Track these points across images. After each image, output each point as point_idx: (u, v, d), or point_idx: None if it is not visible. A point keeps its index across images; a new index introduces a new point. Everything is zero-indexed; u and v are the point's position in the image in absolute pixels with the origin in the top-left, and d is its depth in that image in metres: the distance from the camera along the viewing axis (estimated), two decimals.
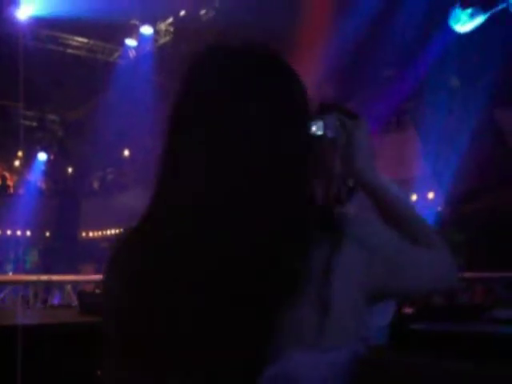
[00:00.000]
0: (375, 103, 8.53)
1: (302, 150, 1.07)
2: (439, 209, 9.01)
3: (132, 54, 11.24)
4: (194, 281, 1.00)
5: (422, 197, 9.12)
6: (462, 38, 6.76)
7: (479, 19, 4.58)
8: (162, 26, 10.49)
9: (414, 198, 9.13)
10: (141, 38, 10.53)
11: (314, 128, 1.38)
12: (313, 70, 8.40)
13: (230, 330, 0.99)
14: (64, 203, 13.76)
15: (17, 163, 15.06)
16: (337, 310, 1.03)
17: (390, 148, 8.67)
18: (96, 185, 15.80)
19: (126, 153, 15.47)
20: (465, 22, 4.64)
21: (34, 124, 12.84)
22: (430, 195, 9.06)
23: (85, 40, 11.09)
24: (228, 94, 1.05)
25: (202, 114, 1.03)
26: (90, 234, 14.16)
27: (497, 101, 7.65)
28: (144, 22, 10.23)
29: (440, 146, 7.87)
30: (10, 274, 12.18)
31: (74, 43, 11.14)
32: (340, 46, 7.79)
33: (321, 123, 1.36)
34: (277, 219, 1.02)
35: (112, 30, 10.36)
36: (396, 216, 1.21)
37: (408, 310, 2.94)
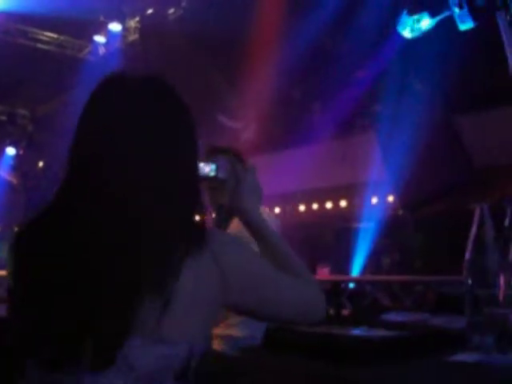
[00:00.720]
0: (339, 104, 8.60)
1: (183, 187, 1.25)
2: (400, 212, 9.10)
3: (102, 50, 11.21)
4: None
5: (383, 200, 9.20)
6: (420, 41, 6.84)
7: (426, 25, 4.61)
8: (132, 24, 10.47)
9: (375, 201, 9.20)
10: (109, 35, 10.49)
11: (207, 169, 1.51)
12: (275, 69, 8.46)
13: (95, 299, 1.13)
14: (33, 198, 13.69)
15: None
16: (178, 307, 1.15)
17: (353, 151, 8.74)
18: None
19: None
20: (412, 28, 4.68)
21: (4, 118, 12.75)
22: (390, 198, 9.15)
23: (54, 35, 11.03)
24: (122, 122, 1.26)
25: (100, 134, 1.26)
26: None
27: (455, 106, 7.75)
28: (112, 19, 10.19)
29: (397, 150, 7.94)
30: None
31: (44, 38, 11.07)
32: (302, 46, 7.84)
33: (214, 165, 1.50)
34: (156, 225, 1.18)
35: (81, 27, 10.34)
36: (272, 250, 1.39)
37: None
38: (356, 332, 1.53)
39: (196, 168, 1.31)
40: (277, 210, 10.65)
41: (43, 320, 1.15)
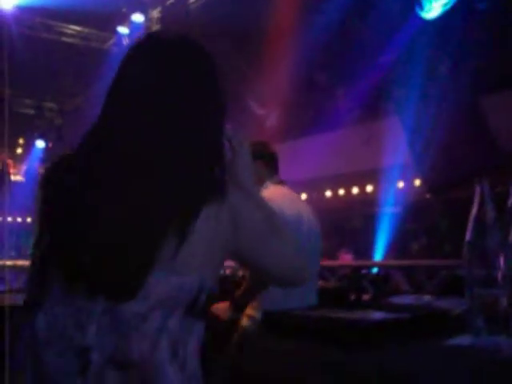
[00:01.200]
0: (363, 89, 8.53)
1: (210, 146, 1.34)
2: (427, 196, 9.01)
3: (126, 41, 11.27)
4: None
5: (409, 184, 9.11)
6: (445, 24, 6.74)
7: (444, 4, 4.57)
8: (154, 14, 10.51)
9: (401, 185, 9.13)
10: (132, 26, 10.54)
11: None
12: (298, 55, 8.42)
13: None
14: None
15: (19, 150, 15.25)
16: (194, 245, 1.24)
17: (378, 135, 8.67)
18: None
19: None
20: (430, 8, 4.63)
21: (32, 112, 12.93)
22: (417, 182, 9.06)
23: (79, 28, 11.13)
24: (155, 80, 1.31)
25: (133, 94, 1.31)
26: None
27: (480, 89, 7.62)
28: (135, 9, 10.24)
29: (423, 134, 7.86)
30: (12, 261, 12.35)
31: (69, 31, 11.19)
32: (325, 31, 7.79)
33: None
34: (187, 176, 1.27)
35: (104, 19, 10.40)
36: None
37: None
38: (354, 315, 1.53)
39: (222, 129, 1.38)
40: (303, 196, 10.63)
41: (72, 248, 1.24)
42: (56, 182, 1.32)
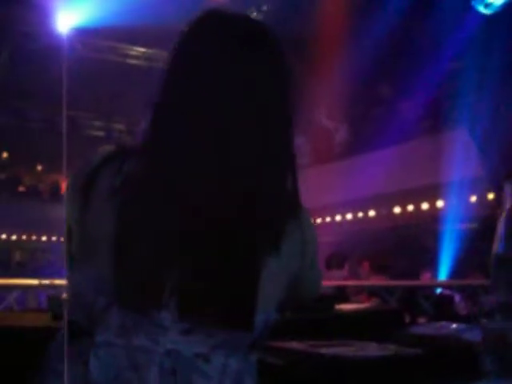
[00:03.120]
0: (428, 99, 8.18)
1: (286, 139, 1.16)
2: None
3: None
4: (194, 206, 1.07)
5: (481, 199, 8.61)
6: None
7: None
8: None
9: (474, 199, 8.64)
10: None
11: None
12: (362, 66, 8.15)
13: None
14: None
15: None
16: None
17: (445, 147, 8.26)
18: None
19: None
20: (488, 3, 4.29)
21: (101, 134, 13.16)
22: (490, 196, 8.52)
23: (143, 49, 11.25)
24: (221, 59, 1.12)
25: (196, 74, 1.12)
26: None
27: None
28: None
29: (495, 144, 7.40)
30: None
31: (133, 53, 11.32)
32: (383, 42, 7.51)
33: None
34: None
35: (166, 38, 10.43)
36: None
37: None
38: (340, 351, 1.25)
39: (292, 138, 1.18)
40: (371, 213, 10.24)
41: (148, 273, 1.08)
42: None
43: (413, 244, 9.39)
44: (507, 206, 1.22)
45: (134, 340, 1.06)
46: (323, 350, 1.25)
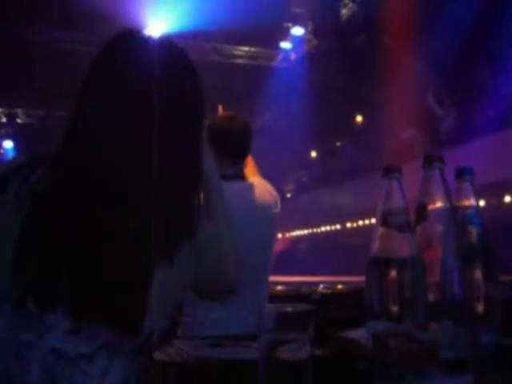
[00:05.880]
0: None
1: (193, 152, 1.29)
2: None
3: (292, 56, 11.32)
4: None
5: None
6: None
7: None
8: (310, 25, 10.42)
9: None
10: (294, 40, 10.56)
11: None
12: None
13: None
14: None
15: None
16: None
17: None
18: (290, 187, 16.30)
19: (313, 154, 15.62)
20: None
21: None
22: None
23: (246, 48, 11.37)
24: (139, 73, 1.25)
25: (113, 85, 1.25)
26: None
27: None
28: (296, 23, 10.22)
29: None
30: None
31: (237, 53, 11.47)
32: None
33: None
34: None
35: (267, 35, 10.50)
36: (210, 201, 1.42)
37: None
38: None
39: (199, 151, 1.31)
40: (481, 202, 9.76)
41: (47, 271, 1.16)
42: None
43: None
44: None
45: (23, 336, 1.13)
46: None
